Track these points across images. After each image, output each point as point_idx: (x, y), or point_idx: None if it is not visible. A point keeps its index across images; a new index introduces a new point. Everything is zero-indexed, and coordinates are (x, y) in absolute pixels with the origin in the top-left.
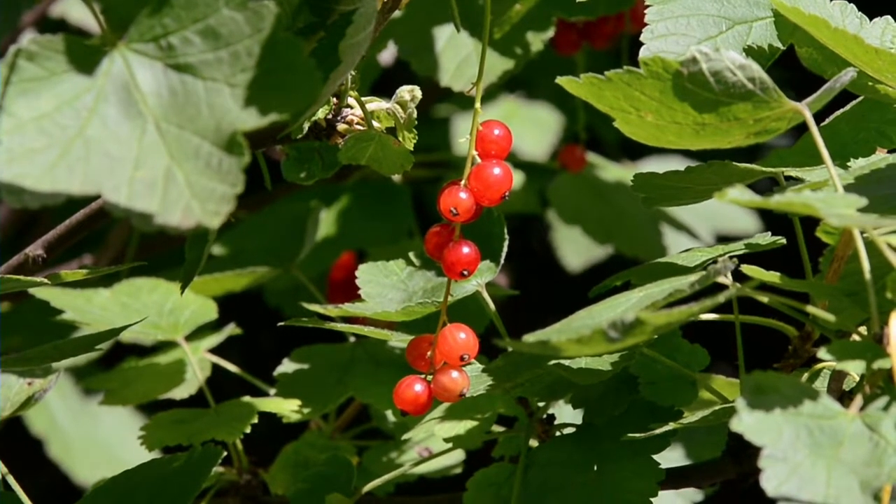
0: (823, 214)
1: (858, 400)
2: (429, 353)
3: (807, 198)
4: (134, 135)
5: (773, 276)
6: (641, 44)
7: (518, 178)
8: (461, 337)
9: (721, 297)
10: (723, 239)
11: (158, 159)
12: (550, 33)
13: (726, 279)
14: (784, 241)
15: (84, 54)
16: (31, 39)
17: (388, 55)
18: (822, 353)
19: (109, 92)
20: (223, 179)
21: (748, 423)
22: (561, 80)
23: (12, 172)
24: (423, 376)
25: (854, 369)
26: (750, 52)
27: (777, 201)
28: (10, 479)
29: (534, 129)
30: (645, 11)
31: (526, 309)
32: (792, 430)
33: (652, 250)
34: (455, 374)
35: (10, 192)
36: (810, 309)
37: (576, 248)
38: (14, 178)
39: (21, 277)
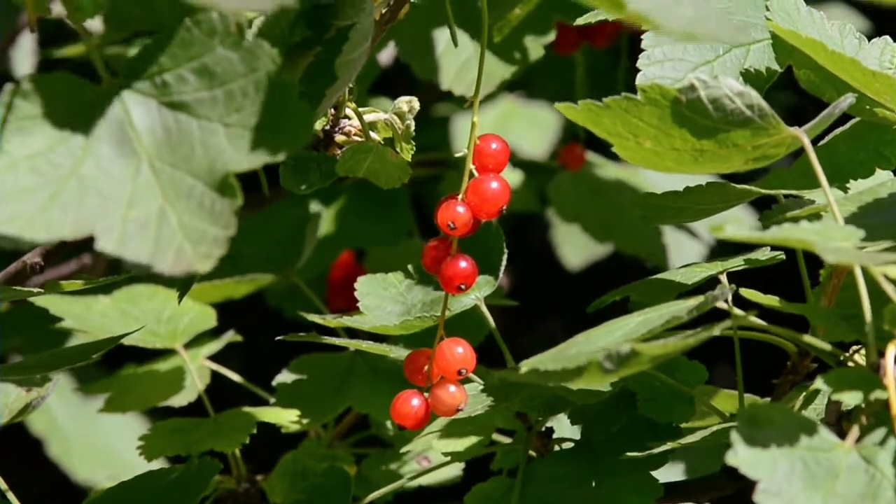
0: (820, 249)
1: (855, 431)
2: (426, 367)
3: (803, 231)
4: (128, 174)
5: (771, 300)
6: (640, 42)
7: (517, 177)
8: (458, 351)
9: (717, 329)
10: (723, 241)
11: (152, 199)
12: (550, 38)
13: (725, 304)
14: (783, 256)
15: (79, 92)
16: (28, 77)
17: (387, 54)
18: (818, 383)
19: (104, 130)
20: (215, 221)
21: (743, 456)
22: (559, 107)
23: (4, 212)
24: (420, 390)
25: (850, 400)
26: (748, 75)
27: (773, 236)
28: (10, 495)
29: (533, 128)
30: (642, 37)
31: (526, 308)
32: (787, 463)
33: (651, 249)
34: (452, 388)
35: (2, 237)
36: (806, 338)
37: (576, 247)
38: (6, 218)
39: (19, 288)
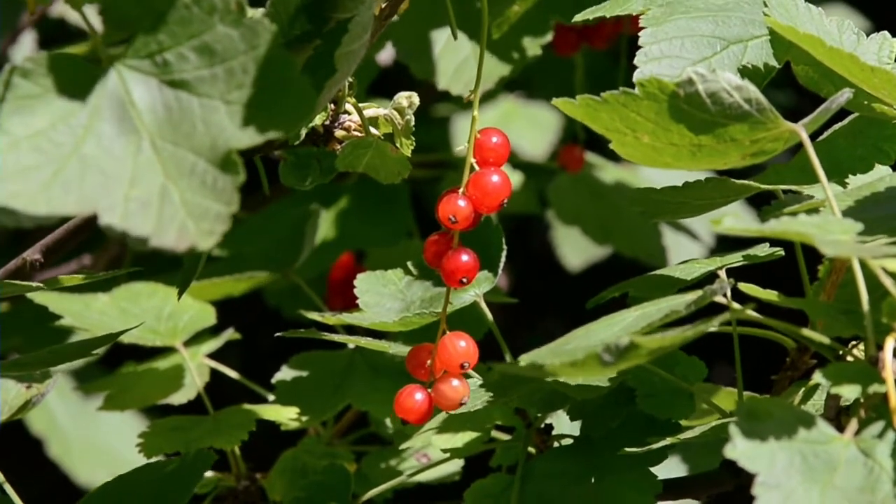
0: (818, 242)
1: (853, 424)
2: (429, 361)
3: (801, 224)
4: (129, 152)
5: (770, 295)
6: (639, 48)
7: (517, 179)
8: (461, 345)
9: (715, 322)
10: (722, 239)
11: (153, 177)
12: (548, 37)
13: (723, 298)
14: (782, 252)
15: (79, 71)
16: (27, 57)
17: (386, 54)
18: (817, 376)
19: (104, 108)
20: (218, 198)
21: (742, 449)
22: (557, 102)
23: (6, 191)
24: (423, 385)
25: (849, 393)
26: (745, 71)
27: (772, 228)
28: (7, 487)
29: (533, 129)
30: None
31: (525, 308)
32: (786, 456)
33: (651, 251)
34: (455, 382)
35: (3, 213)
36: (805, 332)
37: (576, 247)
38: (8, 196)
39: (19, 283)
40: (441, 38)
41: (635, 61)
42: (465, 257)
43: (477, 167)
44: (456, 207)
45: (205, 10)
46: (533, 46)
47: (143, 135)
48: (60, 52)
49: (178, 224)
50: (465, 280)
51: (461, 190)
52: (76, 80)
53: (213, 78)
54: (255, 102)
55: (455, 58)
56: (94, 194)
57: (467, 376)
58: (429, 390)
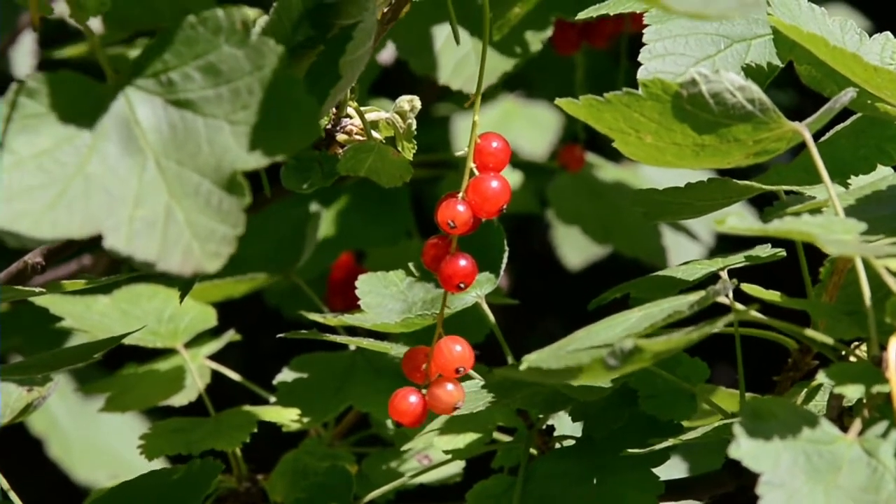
0: (821, 242)
1: (857, 424)
2: (424, 364)
3: (805, 223)
4: (134, 172)
5: (773, 295)
6: (642, 44)
7: (517, 178)
8: (457, 349)
9: (720, 324)
10: (722, 240)
11: (158, 197)
12: (549, 33)
13: (726, 299)
14: (784, 253)
15: (84, 90)
16: (32, 75)
17: (387, 54)
18: (820, 376)
19: (109, 128)
20: (224, 220)
21: (746, 449)
22: (560, 102)
23: (11, 211)
24: (418, 388)
25: (852, 393)
26: (749, 70)
27: (776, 228)
28: (12, 495)
29: (533, 128)
30: (643, 31)
31: (526, 309)
32: (790, 455)
33: (651, 251)
34: (450, 386)
35: (7, 233)
36: (808, 332)
37: (576, 246)
38: (13, 216)
39: (20, 287)
40: (442, 34)
41: (640, 58)
42: (462, 262)
43: (476, 172)
44: (455, 212)
45: (210, 30)
46: (534, 41)
47: (148, 154)
48: (66, 72)
49: (183, 245)
50: (462, 285)
51: (460, 195)
52: (81, 100)
53: (218, 98)
54: (261, 123)
55: (456, 53)
56: (98, 214)
57: (469, 377)
58: (423, 393)
